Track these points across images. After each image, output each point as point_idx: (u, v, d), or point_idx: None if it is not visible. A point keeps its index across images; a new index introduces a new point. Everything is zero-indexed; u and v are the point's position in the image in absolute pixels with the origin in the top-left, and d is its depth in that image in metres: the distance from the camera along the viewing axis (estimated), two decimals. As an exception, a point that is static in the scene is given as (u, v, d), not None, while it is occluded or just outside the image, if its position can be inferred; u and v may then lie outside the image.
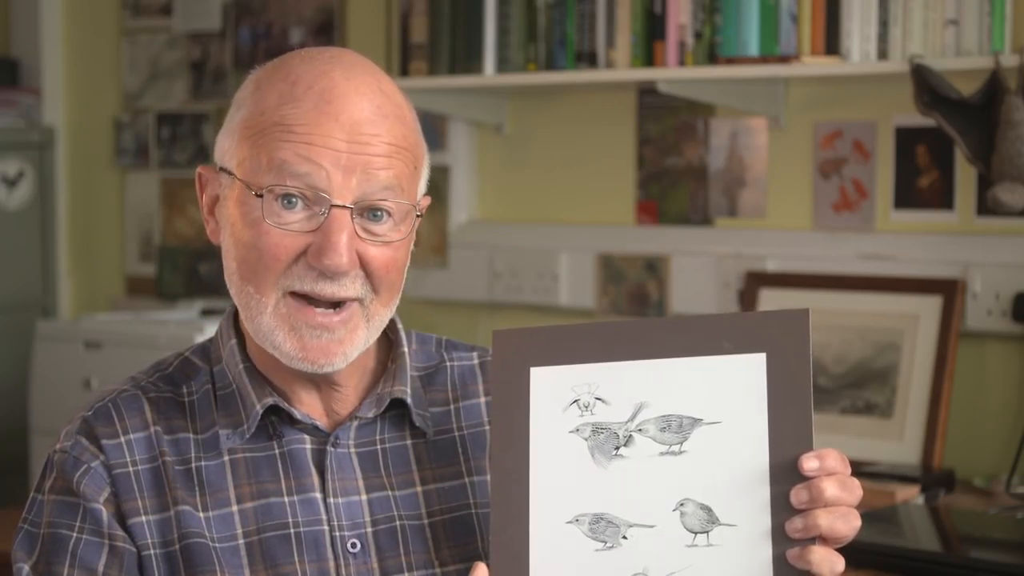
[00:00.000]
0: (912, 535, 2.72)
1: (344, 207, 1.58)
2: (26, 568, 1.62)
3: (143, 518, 1.62)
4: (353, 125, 1.59)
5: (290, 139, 1.58)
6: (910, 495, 2.87)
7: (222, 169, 1.65)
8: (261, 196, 1.59)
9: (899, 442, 3.08)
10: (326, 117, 1.58)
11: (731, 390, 1.53)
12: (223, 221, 1.65)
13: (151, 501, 1.63)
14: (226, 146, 1.65)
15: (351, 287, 1.60)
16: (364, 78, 1.63)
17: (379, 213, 1.61)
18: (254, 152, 1.60)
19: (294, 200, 1.59)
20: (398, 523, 1.67)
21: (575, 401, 1.56)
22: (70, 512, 1.62)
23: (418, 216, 1.66)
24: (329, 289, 1.59)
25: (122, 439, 1.64)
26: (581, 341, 1.58)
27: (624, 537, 1.52)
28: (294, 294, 1.60)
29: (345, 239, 1.58)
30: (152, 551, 1.61)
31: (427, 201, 1.72)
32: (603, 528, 1.53)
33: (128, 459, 1.64)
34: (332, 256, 1.57)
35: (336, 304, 1.61)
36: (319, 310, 1.60)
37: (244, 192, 1.61)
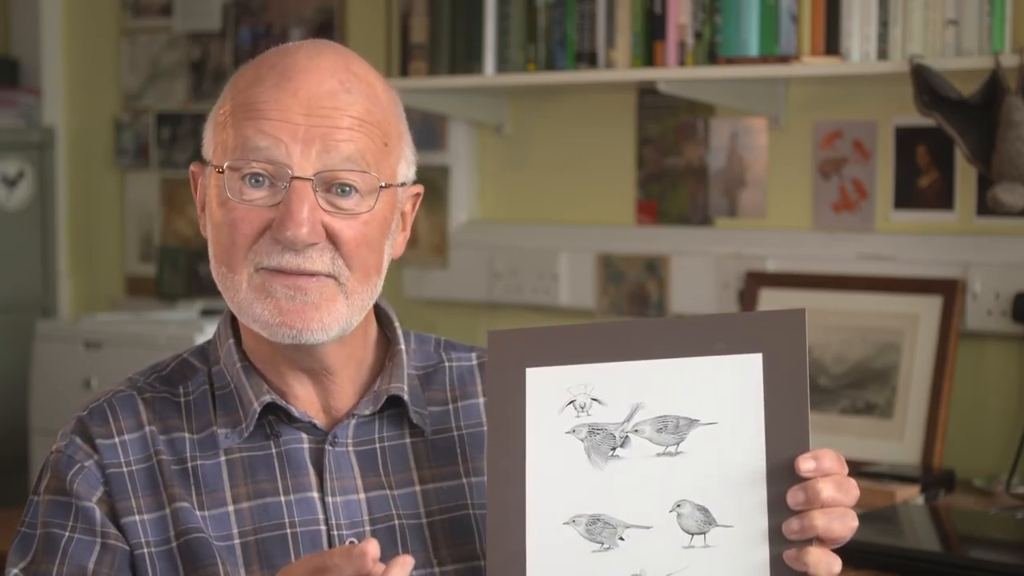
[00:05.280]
0: (912, 535, 2.72)
1: (305, 179, 1.59)
2: (15, 571, 1.63)
3: (136, 517, 1.62)
4: (312, 99, 1.60)
5: (252, 116, 1.61)
6: (910, 495, 2.86)
7: (205, 162, 1.68)
8: (222, 172, 1.61)
9: (899, 442, 3.08)
10: (285, 93, 1.60)
11: (727, 391, 1.53)
12: (207, 212, 1.67)
13: (146, 500, 1.63)
14: (206, 138, 1.68)
15: (318, 260, 1.61)
16: (330, 57, 1.64)
17: (347, 188, 1.61)
18: (224, 135, 1.63)
19: (261, 178, 1.60)
20: (396, 522, 1.67)
21: (571, 402, 1.56)
22: (63, 512, 1.63)
23: (383, 187, 1.64)
24: (295, 262, 1.60)
25: (116, 440, 1.65)
26: (577, 342, 1.57)
27: (621, 538, 1.52)
28: (264, 270, 1.61)
29: (306, 210, 1.58)
30: (145, 550, 1.62)
31: (418, 189, 1.72)
32: (600, 529, 1.53)
33: (123, 459, 1.64)
34: (292, 227, 1.58)
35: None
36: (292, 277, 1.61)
37: (215, 175, 1.63)
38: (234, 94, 1.65)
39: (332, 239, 1.61)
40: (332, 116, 1.60)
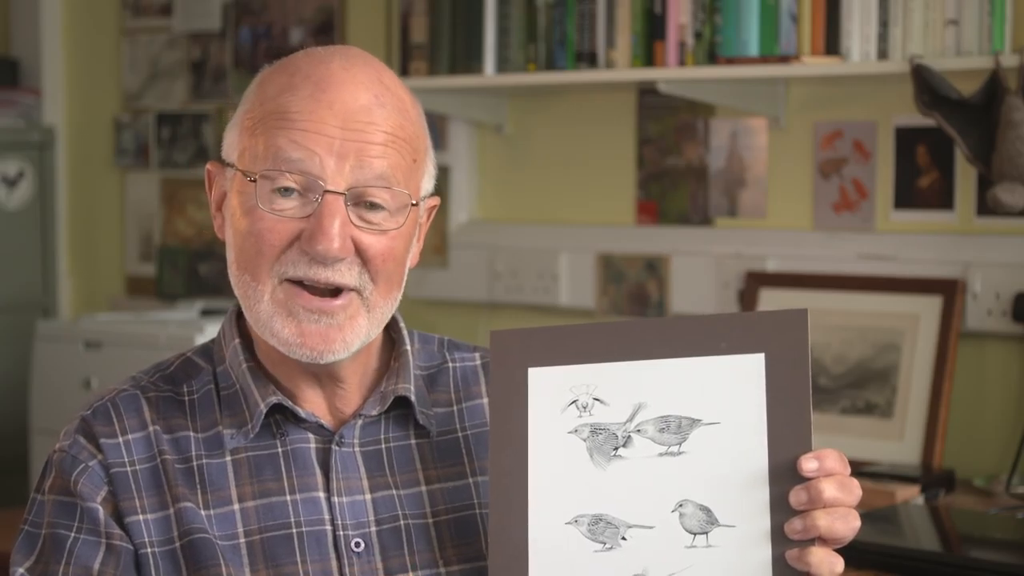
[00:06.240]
0: (912, 535, 2.72)
1: (337, 193, 1.58)
2: (20, 571, 1.62)
3: (140, 517, 1.62)
4: (348, 113, 1.59)
5: (285, 126, 1.59)
6: (910, 495, 2.86)
7: (227, 164, 1.67)
8: (255, 181, 1.60)
9: (899, 442, 3.08)
10: (320, 105, 1.59)
11: (730, 391, 1.53)
12: (227, 215, 1.66)
13: (150, 500, 1.63)
14: (229, 140, 1.67)
15: (347, 274, 1.61)
16: (364, 69, 1.64)
17: (375, 202, 1.61)
18: (253, 141, 1.62)
19: (291, 189, 1.60)
20: (402, 522, 1.67)
21: (573, 402, 1.56)
22: (68, 512, 1.63)
23: (414, 205, 1.66)
24: (323, 275, 1.60)
25: (120, 439, 1.65)
26: (579, 341, 1.58)
27: (623, 538, 1.52)
28: (290, 281, 1.61)
29: (337, 225, 1.58)
30: (149, 550, 1.61)
31: (435, 202, 1.73)
32: (602, 529, 1.53)
33: (126, 459, 1.64)
34: (323, 241, 1.58)
35: (334, 292, 1.61)
36: (316, 296, 1.61)
37: (243, 181, 1.62)
38: (263, 100, 1.63)
39: (360, 253, 1.61)
40: (367, 131, 1.60)
